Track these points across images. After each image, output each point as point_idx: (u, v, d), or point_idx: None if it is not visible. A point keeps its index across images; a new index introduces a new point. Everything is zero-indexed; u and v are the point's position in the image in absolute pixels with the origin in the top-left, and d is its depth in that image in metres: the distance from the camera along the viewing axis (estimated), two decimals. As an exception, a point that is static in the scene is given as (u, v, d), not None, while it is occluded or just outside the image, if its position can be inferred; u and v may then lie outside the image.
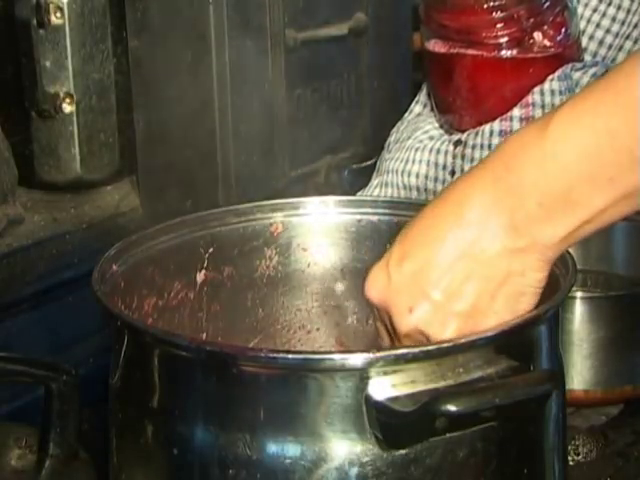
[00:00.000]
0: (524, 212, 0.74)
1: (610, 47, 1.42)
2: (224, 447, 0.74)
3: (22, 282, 1.27)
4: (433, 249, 0.77)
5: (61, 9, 1.37)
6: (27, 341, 1.23)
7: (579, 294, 1.14)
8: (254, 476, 0.74)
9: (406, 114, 1.48)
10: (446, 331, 0.77)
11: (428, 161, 1.38)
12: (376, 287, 0.80)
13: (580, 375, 1.14)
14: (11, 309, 1.24)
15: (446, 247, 0.77)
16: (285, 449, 0.73)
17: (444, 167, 1.37)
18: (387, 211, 1.00)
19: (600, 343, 1.14)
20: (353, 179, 1.53)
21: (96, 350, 1.25)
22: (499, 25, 1.32)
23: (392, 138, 1.47)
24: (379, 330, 0.83)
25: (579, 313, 1.13)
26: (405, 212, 0.97)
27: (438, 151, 1.38)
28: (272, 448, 0.73)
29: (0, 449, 0.97)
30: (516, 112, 1.31)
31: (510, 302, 0.77)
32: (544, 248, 0.75)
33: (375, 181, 1.46)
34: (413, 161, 1.40)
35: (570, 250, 0.84)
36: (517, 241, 0.75)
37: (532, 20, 1.32)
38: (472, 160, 1.33)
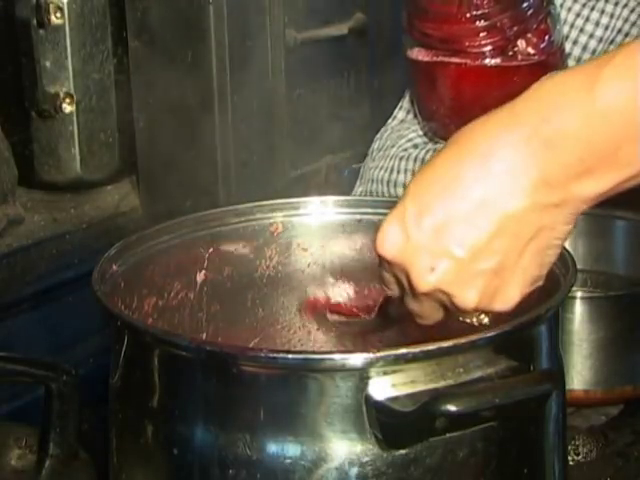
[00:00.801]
0: (561, 166, 0.71)
1: (594, 52, 1.41)
2: (224, 447, 0.74)
3: (22, 282, 1.27)
4: (455, 203, 0.73)
5: (61, 9, 1.37)
6: (27, 341, 1.23)
7: (579, 294, 1.14)
8: (254, 476, 0.74)
9: (389, 120, 1.47)
10: (470, 291, 0.74)
11: (413, 170, 1.38)
12: (391, 244, 0.75)
13: (580, 375, 1.14)
14: (11, 309, 1.24)
15: (469, 201, 0.72)
16: (285, 449, 0.73)
17: None
18: (387, 211, 0.99)
19: (600, 343, 1.14)
20: (353, 179, 1.53)
21: (96, 350, 1.25)
22: (482, 34, 1.31)
23: (375, 145, 1.46)
24: (387, 281, 0.80)
25: (579, 313, 1.13)
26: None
27: (423, 160, 1.37)
28: (272, 448, 0.73)
29: (0, 449, 0.97)
30: (500, 121, 1.31)
31: (538, 256, 0.74)
32: (579, 203, 0.72)
33: (359, 189, 1.45)
34: (398, 171, 1.39)
35: (570, 250, 0.84)
36: (550, 196, 0.72)
37: (515, 28, 1.32)
38: None
